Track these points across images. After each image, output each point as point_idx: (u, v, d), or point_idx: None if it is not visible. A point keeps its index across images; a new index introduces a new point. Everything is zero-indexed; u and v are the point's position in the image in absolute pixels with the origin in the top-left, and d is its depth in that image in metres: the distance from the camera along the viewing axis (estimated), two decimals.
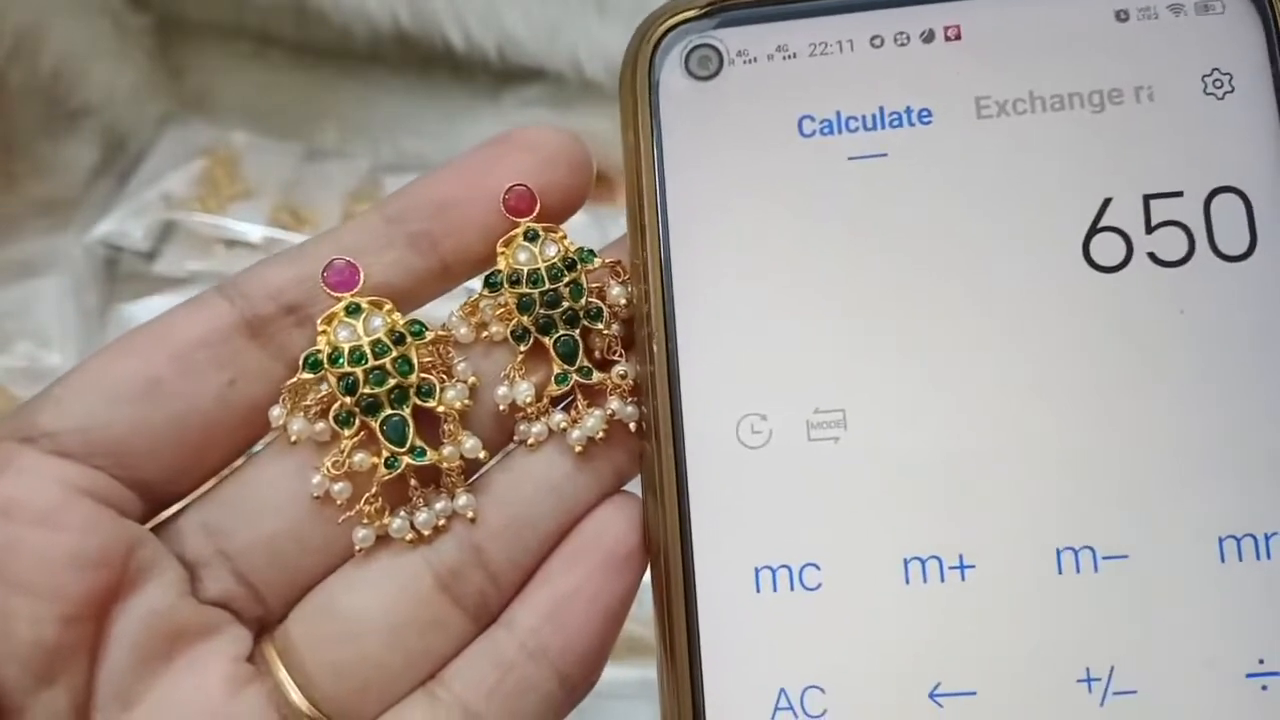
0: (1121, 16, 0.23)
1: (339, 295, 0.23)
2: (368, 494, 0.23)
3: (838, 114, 0.23)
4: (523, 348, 0.23)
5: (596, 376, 0.24)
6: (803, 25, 0.23)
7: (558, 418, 0.23)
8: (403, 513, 0.23)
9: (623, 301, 0.24)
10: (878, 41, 0.23)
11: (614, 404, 0.24)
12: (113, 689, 0.21)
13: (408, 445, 0.23)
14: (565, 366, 0.23)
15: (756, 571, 0.22)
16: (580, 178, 0.24)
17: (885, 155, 0.23)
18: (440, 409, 0.23)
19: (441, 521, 0.23)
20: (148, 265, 0.64)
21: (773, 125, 0.23)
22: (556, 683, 0.23)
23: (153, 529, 0.23)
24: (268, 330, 0.23)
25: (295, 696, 0.22)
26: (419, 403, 0.23)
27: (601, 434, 0.23)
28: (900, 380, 0.23)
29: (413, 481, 0.23)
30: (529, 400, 0.23)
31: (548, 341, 0.23)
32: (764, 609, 0.22)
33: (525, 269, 0.23)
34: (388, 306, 0.23)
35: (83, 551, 0.21)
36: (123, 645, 0.21)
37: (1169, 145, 0.23)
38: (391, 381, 0.22)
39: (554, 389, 0.23)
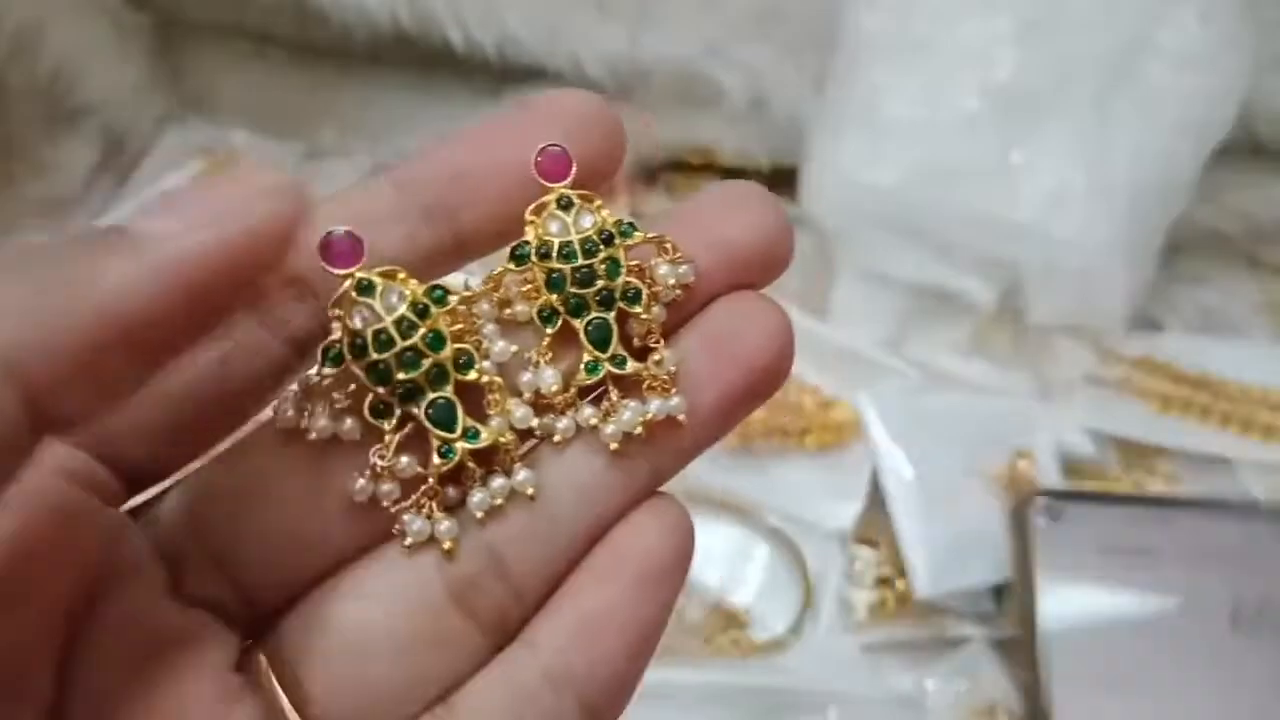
0: None
1: (338, 272, 0.20)
2: (424, 487, 0.20)
3: None
4: (550, 330, 0.21)
5: (631, 366, 0.21)
6: None
7: (586, 412, 0.21)
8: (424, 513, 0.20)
9: (671, 282, 0.21)
10: None
11: (654, 405, 0.21)
12: (86, 705, 0.19)
13: (460, 429, 0.20)
14: (597, 354, 0.21)
15: None
16: (614, 145, 0.21)
17: None
18: (484, 379, 0.20)
19: (499, 501, 0.20)
20: None
21: None
22: (579, 713, 0.20)
23: (131, 515, 0.20)
24: (263, 303, 0.20)
25: (291, 716, 0.20)
26: (460, 378, 0.20)
27: (639, 430, 0.21)
28: None
29: (470, 464, 0.20)
30: (555, 389, 0.21)
31: (578, 325, 0.21)
32: None
33: (556, 241, 0.21)
34: (401, 275, 0.20)
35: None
36: (96, 654, 0.19)
37: None
38: (427, 362, 0.20)
39: (583, 378, 0.21)
